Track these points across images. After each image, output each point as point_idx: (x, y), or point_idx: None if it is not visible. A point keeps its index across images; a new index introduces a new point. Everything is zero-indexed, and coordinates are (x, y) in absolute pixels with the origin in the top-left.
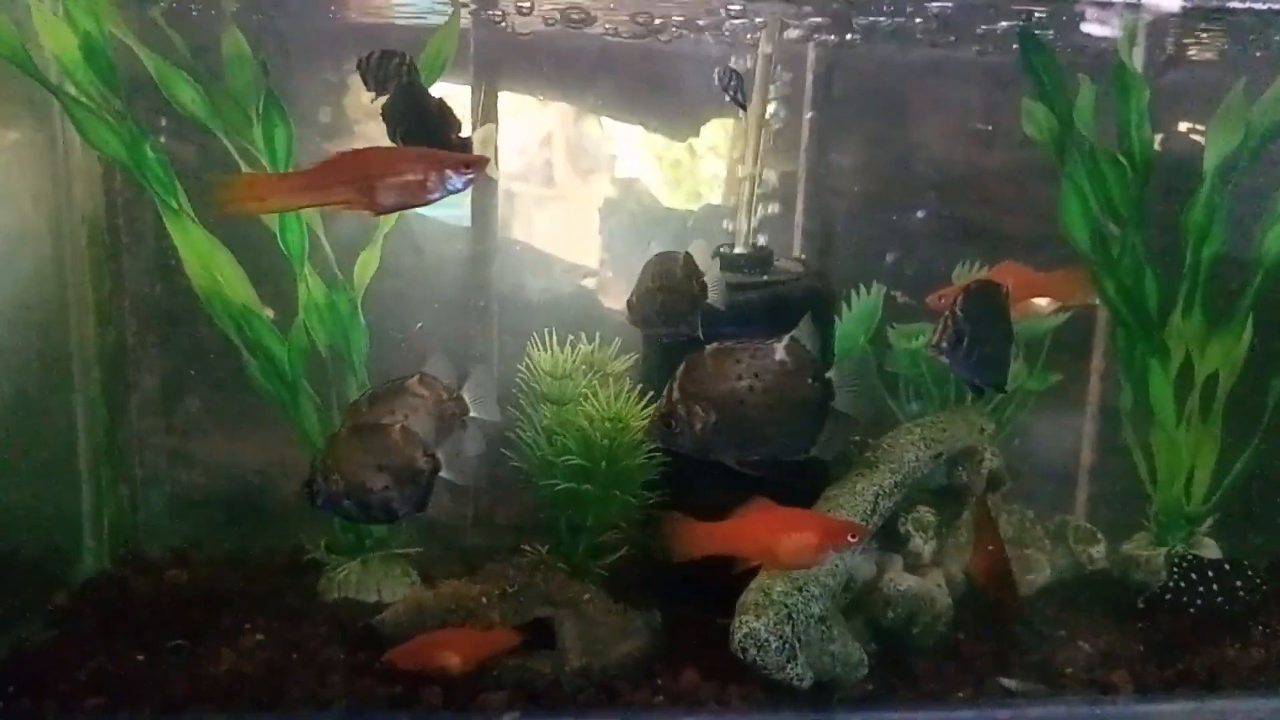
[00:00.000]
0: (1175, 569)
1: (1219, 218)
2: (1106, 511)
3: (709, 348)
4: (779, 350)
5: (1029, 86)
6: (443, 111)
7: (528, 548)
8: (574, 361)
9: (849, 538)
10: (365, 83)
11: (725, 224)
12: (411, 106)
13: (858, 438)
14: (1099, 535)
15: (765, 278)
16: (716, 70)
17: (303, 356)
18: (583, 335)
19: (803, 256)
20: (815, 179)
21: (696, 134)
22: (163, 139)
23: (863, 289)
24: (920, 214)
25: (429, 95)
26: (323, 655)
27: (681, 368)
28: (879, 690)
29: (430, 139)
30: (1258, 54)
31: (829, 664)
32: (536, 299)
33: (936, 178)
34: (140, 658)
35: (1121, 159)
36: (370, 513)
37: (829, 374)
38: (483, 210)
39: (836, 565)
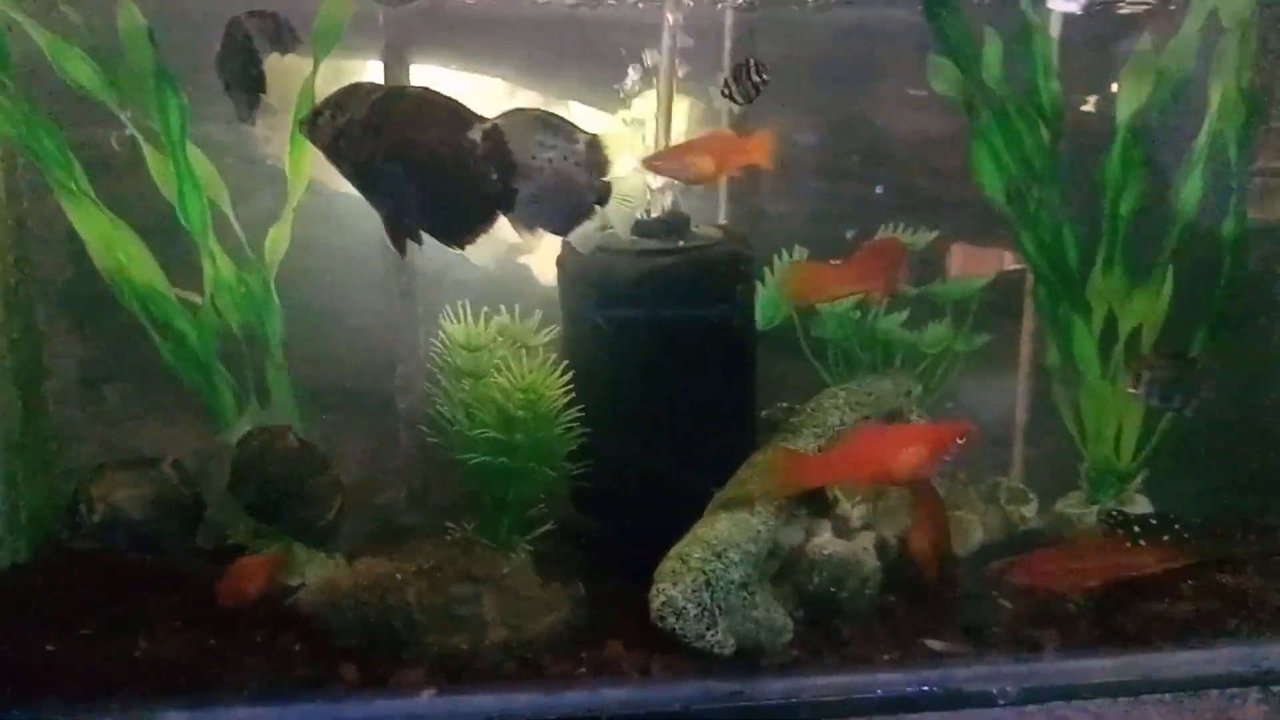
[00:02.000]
0: (1102, 526)
1: (1134, 172)
2: (1043, 471)
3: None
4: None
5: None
6: None
7: (451, 525)
8: (488, 334)
9: (958, 440)
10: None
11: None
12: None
13: (784, 403)
14: (1030, 495)
15: (681, 243)
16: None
17: (213, 337)
18: (502, 309)
19: (723, 223)
20: None
21: (627, 105)
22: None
23: (785, 255)
24: (847, 180)
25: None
26: (241, 639)
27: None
28: (804, 656)
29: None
30: (1171, 6)
31: (752, 630)
32: (462, 276)
33: (863, 143)
34: (51, 647)
35: (1032, 113)
36: (139, 544)
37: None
38: None
39: (759, 531)
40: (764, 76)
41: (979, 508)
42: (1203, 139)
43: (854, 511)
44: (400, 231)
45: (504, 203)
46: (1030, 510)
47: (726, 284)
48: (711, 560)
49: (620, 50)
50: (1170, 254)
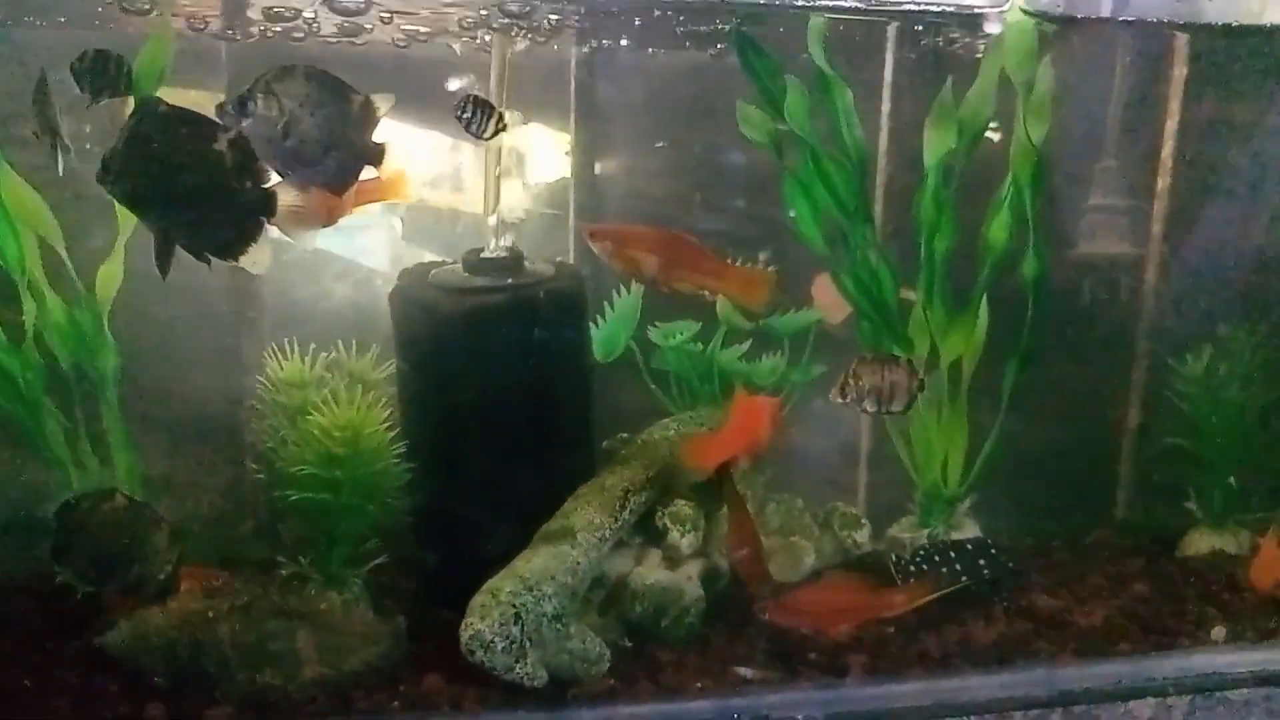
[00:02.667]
0: (919, 553)
1: (947, 212)
2: (886, 497)
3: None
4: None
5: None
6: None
7: (283, 560)
8: (312, 370)
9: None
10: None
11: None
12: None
13: (625, 434)
14: (863, 520)
15: (509, 281)
16: (456, 102)
17: (40, 375)
18: (339, 344)
19: (558, 259)
20: (584, 184)
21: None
22: None
23: (623, 290)
24: (689, 213)
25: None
26: (54, 677)
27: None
28: (619, 685)
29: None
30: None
31: (567, 662)
32: (309, 307)
33: (704, 178)
34: None
35: (840, 157)
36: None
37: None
38: None
39: (578, 563)
40: (502, 124)
41: (812, 533)
42: (1007, 182)
43: (684, 541)
44: (165, 252)
45: (264, 209)
46: (863, 535)
47: (557, 320)
48: (523, 594)
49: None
50: (983, 290)
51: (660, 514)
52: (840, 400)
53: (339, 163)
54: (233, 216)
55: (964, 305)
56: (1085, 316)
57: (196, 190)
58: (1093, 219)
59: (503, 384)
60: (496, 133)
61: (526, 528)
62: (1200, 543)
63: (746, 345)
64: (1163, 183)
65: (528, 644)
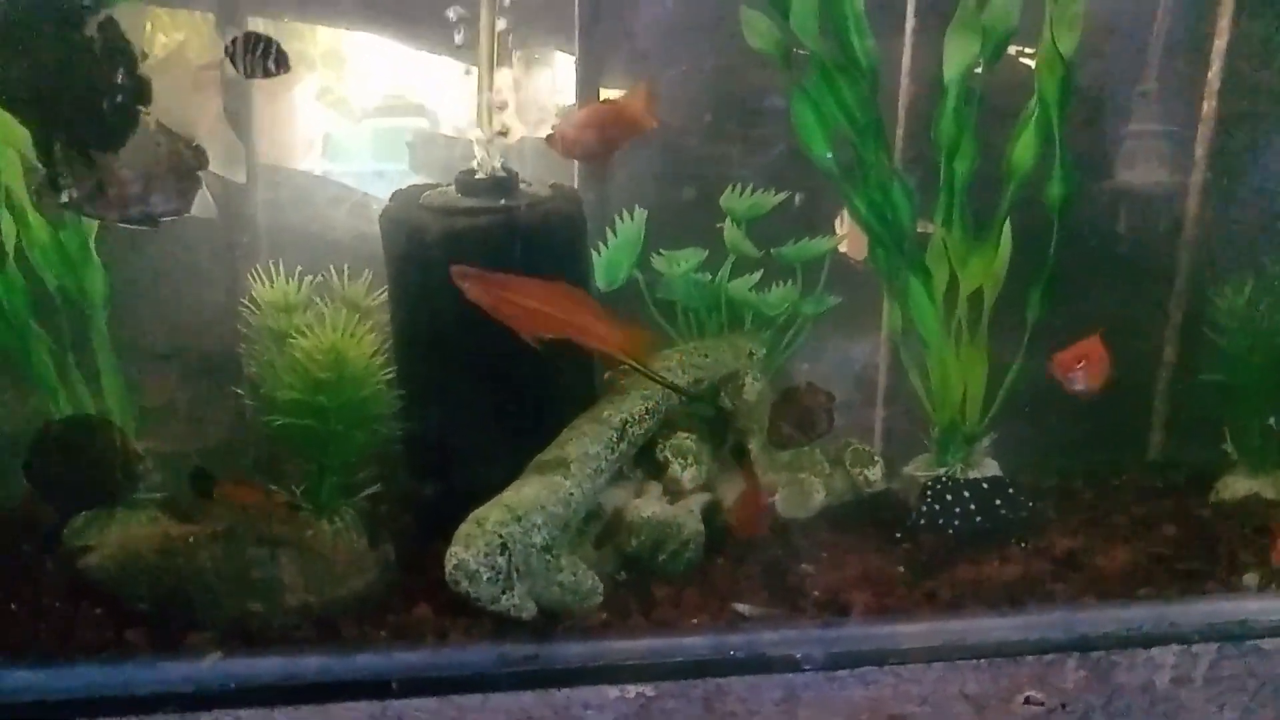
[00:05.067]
0: (929, 492)
1: (968, 129)
2: (904, 434)
3: None
4: None
5: None
6: None
7: (274, 488)
8: (298, 293)
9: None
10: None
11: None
12: None
13: (623, 366)
14: (876, 457)
15: (501, 202)
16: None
17: (24, 297)
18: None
19: (555, 182)
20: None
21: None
22: None
23: (625, 215)
24: (700, 138)
25: None
26: (36, 602)
27: None
28: (612, 619)
29: None
30: None
31: (558, 594)
32: (307, 232)
33: (716, 99)
34: None
35: (850, 67)
36: None
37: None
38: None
39: (571, 494)
40: (280, 67)
41: (823, 470)
42: (1033, 99)
43: (685, 474)
44: (46, 149)
45: (140, 96)
46: (875, 473)
47: (553, 244)
48: (510, 524)
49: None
50: (1006, 214)
51: (661, 446)
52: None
53: None
54: (108, 108)
55: (985, 231)
56: (1120, 246)
57: (67, 80)
58: (1131, 146)
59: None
60: (272, 72)
61: (520, 458)
62: (1236, 486)
63: (758, 276)
64: (1208, 106)
65: (515, 575)
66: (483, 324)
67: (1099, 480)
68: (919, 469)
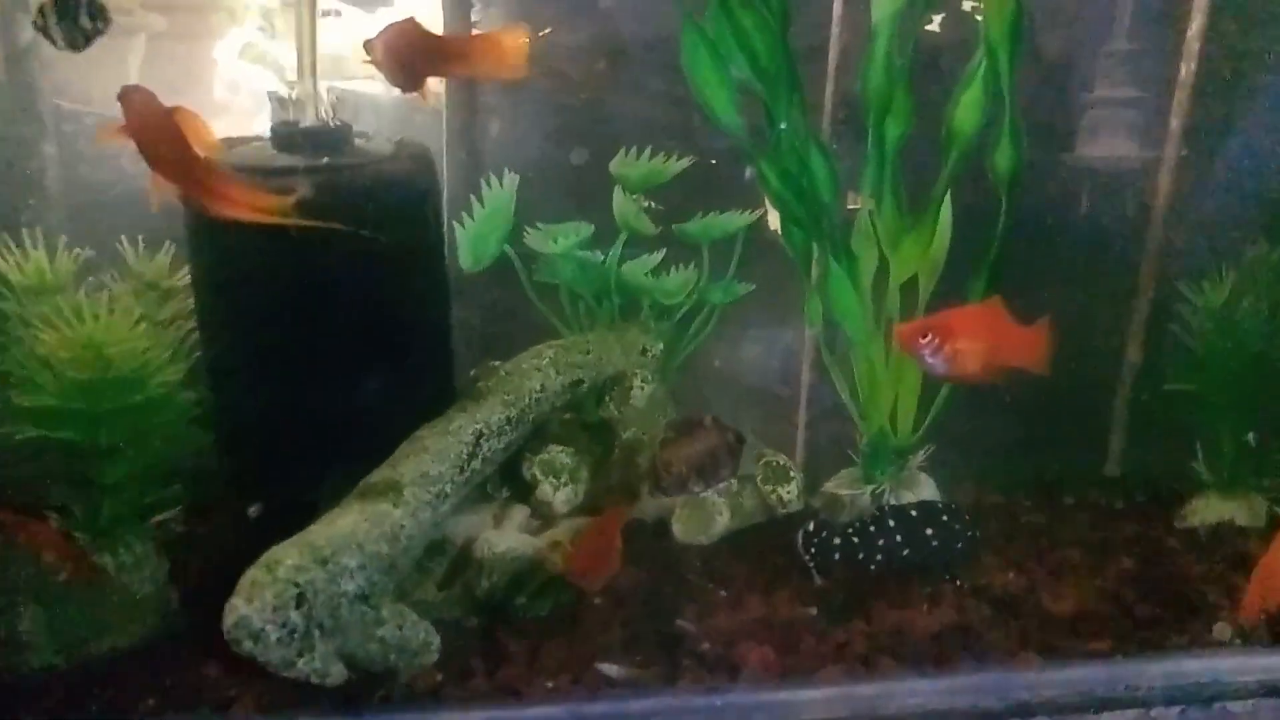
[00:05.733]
0: (850, 528)
1: (901, 84)
2: (829, 444)
3: None
4: None
5: None
6: None
7: (49, 513)
8: (59, 271)
9: None
10: None
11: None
12: None
13: (497, 362)
14: (792, 472)
15: (327, 160)
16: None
17: None
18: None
19: (401, 137)
20: None
21: None
22: None
23: (497, 180)
24: (585, 96)
25: None
26: None
27: None
28: (447, 682)
29: None
30: None
31: (379, 651)
32: (110, 199)
33: (604, 53)
34: None
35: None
36: None
37: None
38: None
39: (402, 526)
40: (98, 23)
41: (729, 488)
42: (979, 51)
43: (558, 495)
44: None
45: None
46: (790, 491)
47: (394, 213)
48: (311, 568)
49: None
50: (946, 188)
51: (529, 461)
52: (661, 495)
53: None
54: None
55: (922, 208)
56: (1079, 230)
57: None
58: (1095, 115)
59: (318, 294)
60: (92, 33)
61: (366, 466)
62: (1206, 510)
63: (659, 256)
64: (1186, 70)
65: (317, 633)
66: (310, 305)
67: (1049, 499)
68: (842, 486)
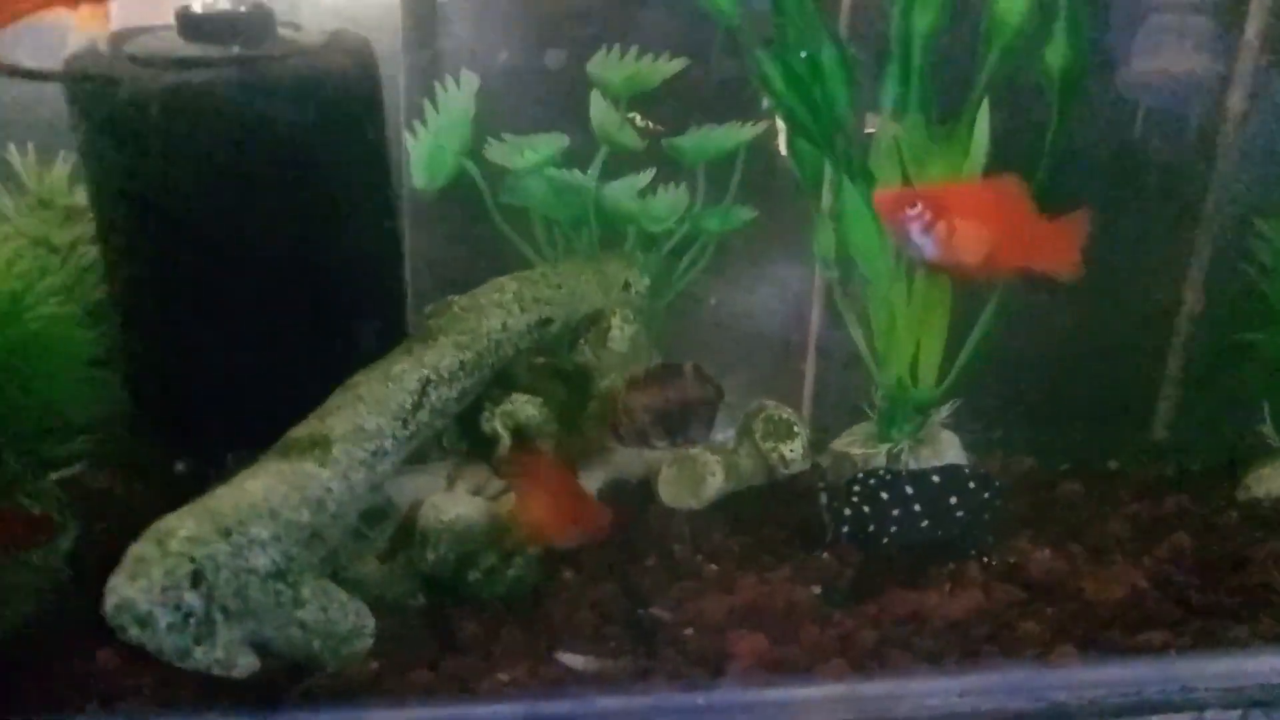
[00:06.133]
0: (856, 489)
1: None
2: (842, 397)
3: None
4: None
5: None
6: None
7: None
8: None
9: None
10: None
11: None
12: None
13: (457, 296)
14: (796, 428)
15: (237, 50)
16: None
17: None
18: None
19: (336, 28)
20: None
21: None
22: None
23: (450, 82)
24: None
25: None
26: None
27: None
28: (384, 672)
29: None
30: None
31: (299, 638)
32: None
33: None
34: None
35: None
36: None
37: None
38: None
39: (330, 491)
40: None
41: (725, 443)
42: None
43: None
44: None
45: None
46: (794, 449)
47: (321, 115)
48: (212, 540)
49: None
50: (982, 95)
51: (490, 413)
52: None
53: None
54: None
55: (954, 120)
56: (1135, 154)
57: None
58: (1156, 22)
59: (241, 217)
60: None
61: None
62: (1274, 480)
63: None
64: None
65: (219, 616)
66: (232, 230)
67: (1091, 466)
68: (855, 444)
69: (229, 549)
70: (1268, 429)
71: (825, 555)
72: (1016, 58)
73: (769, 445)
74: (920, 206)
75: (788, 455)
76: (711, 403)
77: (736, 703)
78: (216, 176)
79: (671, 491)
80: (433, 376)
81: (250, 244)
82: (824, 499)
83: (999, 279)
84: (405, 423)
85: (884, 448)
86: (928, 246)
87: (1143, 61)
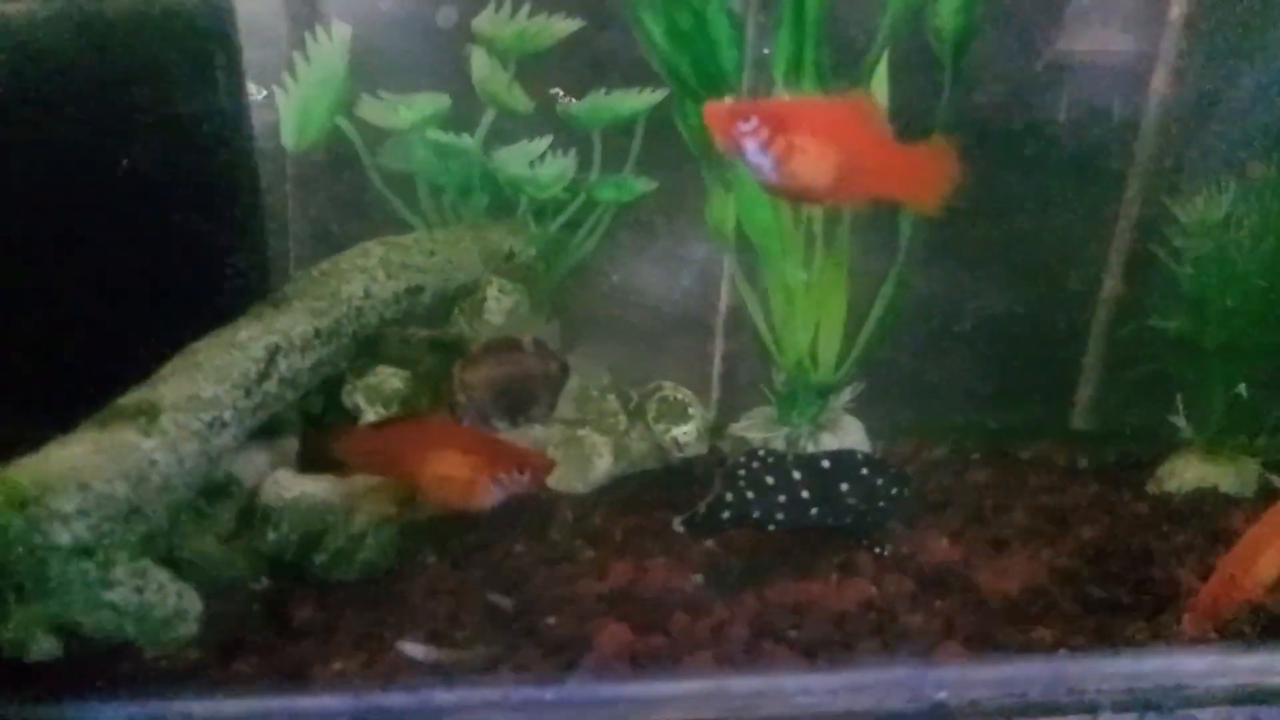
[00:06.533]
0: (741, 472)
1: None
2: (752, 378)
3: None
4: None
5: None
6: None
7: None
8: None
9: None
10: None
11: None
12: None
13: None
14: (691, 410)
15: None
16: None
17: None
18: None
19: None
20: None
21: None
22: None
23: (320, 33)
24: None
25: None
26: None
27: None
28: (207, 661)
29: None
30: None
31: (110, 621)
32: None
33: None
34: None
35: None
36: None
37: None
38: None
39: (155, 463)
40: None
41: (615, 425)
42: None
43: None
44: None
45: None
46: (688, 431)
47: (162, 60)
48: (5, 513)
49: None
50: (877, 57)
51: (351, 386)
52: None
53: None
54: None
55: (849, 86)
56: (1056, 139)
57: None
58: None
59: (75, 174)
60: None
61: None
62: (1185, 473)
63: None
64: None
65: (11, 595)
66: (65, 188)
67: (1003, 453)
68: (754, 428)
69: (24, 523)
70: (1179, 419)
71: (681, 529)
72: (911, 20)
73: (661, 427)
74: (756, 121)
75: (680, 438)
76: (555, 379)
77: (589, 698)
78: (56, 131)
79: (557, 474)
80: (282, 343)
81: (87, 206)
82: (716, 484)
83: (847, 205)
84: (249, 392)
85: (783, 432)
86: (764, 166)
87: (1067, 40)
